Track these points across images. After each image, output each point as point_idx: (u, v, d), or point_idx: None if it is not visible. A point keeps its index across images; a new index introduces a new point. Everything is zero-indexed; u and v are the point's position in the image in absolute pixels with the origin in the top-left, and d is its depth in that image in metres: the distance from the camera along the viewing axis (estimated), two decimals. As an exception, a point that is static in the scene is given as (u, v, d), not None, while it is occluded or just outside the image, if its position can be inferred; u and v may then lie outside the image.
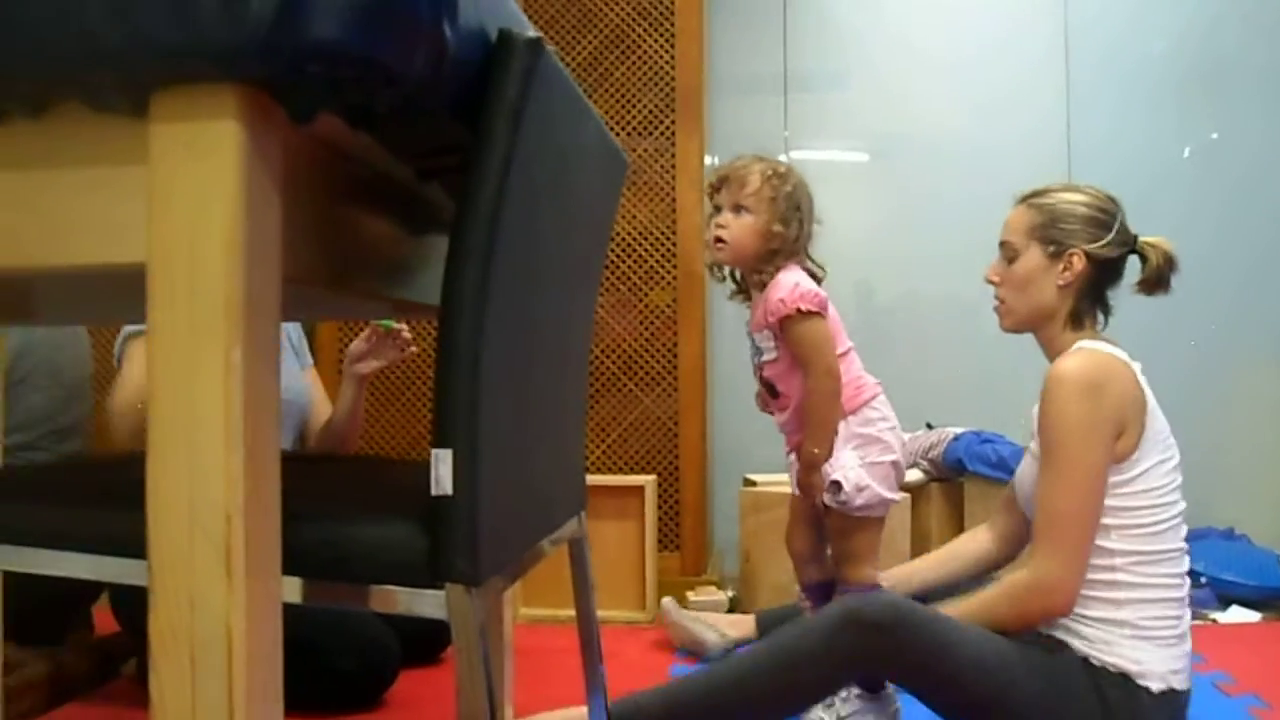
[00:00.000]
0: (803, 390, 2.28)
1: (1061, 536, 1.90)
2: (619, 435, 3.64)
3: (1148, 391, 1.96)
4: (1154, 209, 3.90)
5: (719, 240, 2.33)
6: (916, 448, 3.57)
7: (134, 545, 0.85)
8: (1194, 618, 3.11)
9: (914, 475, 3.52)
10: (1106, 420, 1.89)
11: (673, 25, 3.64)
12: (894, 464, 2.28)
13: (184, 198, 0.77)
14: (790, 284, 2.26)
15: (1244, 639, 3.00)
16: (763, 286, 2.33)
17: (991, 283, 2.12)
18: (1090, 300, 2.05)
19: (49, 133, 0.80)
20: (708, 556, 3.71)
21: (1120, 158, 3.99)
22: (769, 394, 2.38)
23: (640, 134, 3.63)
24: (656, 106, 3.64)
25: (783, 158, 4.10)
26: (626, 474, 3.55)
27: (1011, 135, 4.04)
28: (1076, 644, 1.90)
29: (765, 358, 2.34)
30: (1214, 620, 3.20)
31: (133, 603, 2.38)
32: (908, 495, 3.36)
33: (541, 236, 1.07)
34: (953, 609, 2.00)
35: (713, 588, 3.43)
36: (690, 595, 3.31)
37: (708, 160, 3.84)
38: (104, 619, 2.61)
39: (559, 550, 1.38)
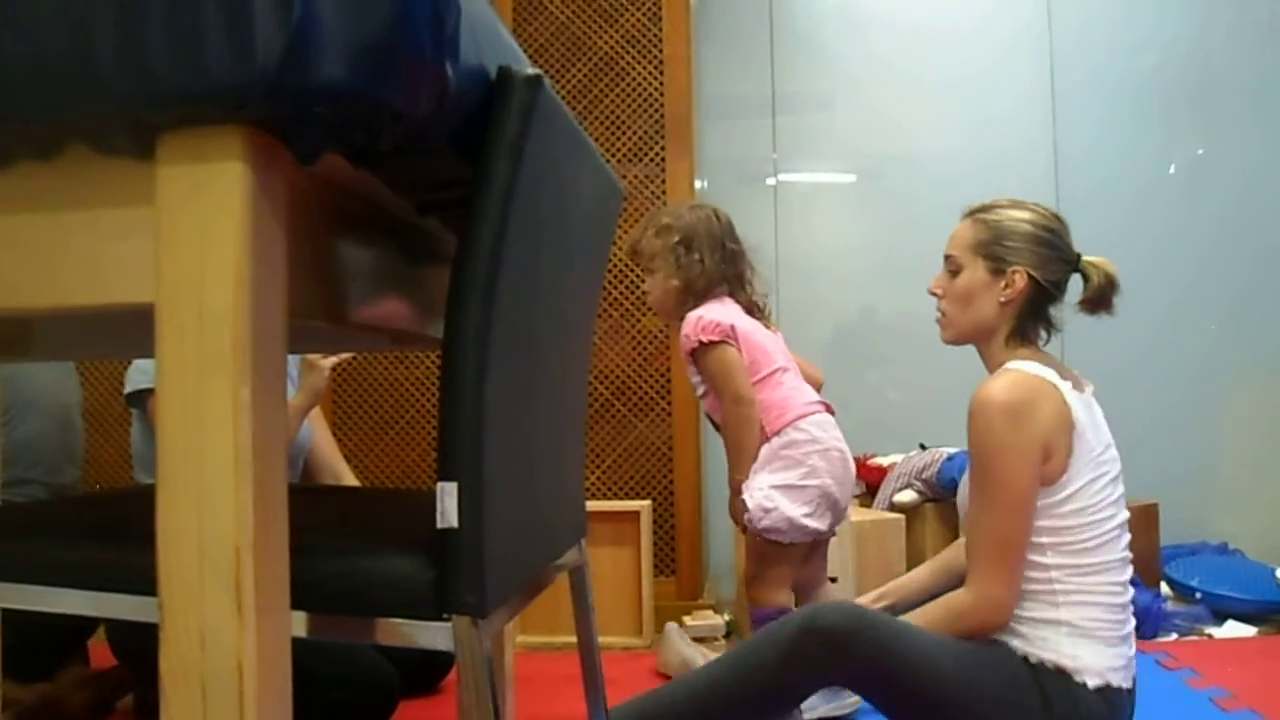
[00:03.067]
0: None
1: (997, 559, 1.92)
2: (614, 461, 3.64)
3: (1076, 411, 1.96)
4: (1141, 225, 3.96)
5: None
6: (910, 468, 3.58)
7: (137, 581, 0.86)
8: (1189, 633, 3.16)
9: (908, 496, 3.53)
10: (1033, 442, 1.90)
11: (661, 52, 3.67)
12: (821, 492, 2.30)
13: (191, 239, 0.78)
14: (693, 319, 2.35)
15: (1240, 654, 3.01)
16: None
17: (934, 295, 2.14)
18: (1032, 318, 2.06)
19: (57, 175, 0.81)
20: (704, 581, 3.71)
21: (1107, 175, 4.02)
22: (714, 427, 2.46)
23: (630, 160, 3.65)
24: (646, 133, 3.66)
25: (771, 181, 4.15)
26: (622, 500, 3.55)
27: (998, 153, 4.07)
28: (1014, 642, 1.92)
29: (699, 393, 2.44)
30: (1210, 635, 3.21)
31: (130, 636, 2.39)
32: (902, 516, 3.37)
33: (542, 269, 1.08)
34: (909, 618, 2.02)
35: (709, 612, 3.44)
36: (687, 620, 3.31)
37: (698, 185, 3.86)
38: (100, 653, 2.60)
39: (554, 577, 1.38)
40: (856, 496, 3.62)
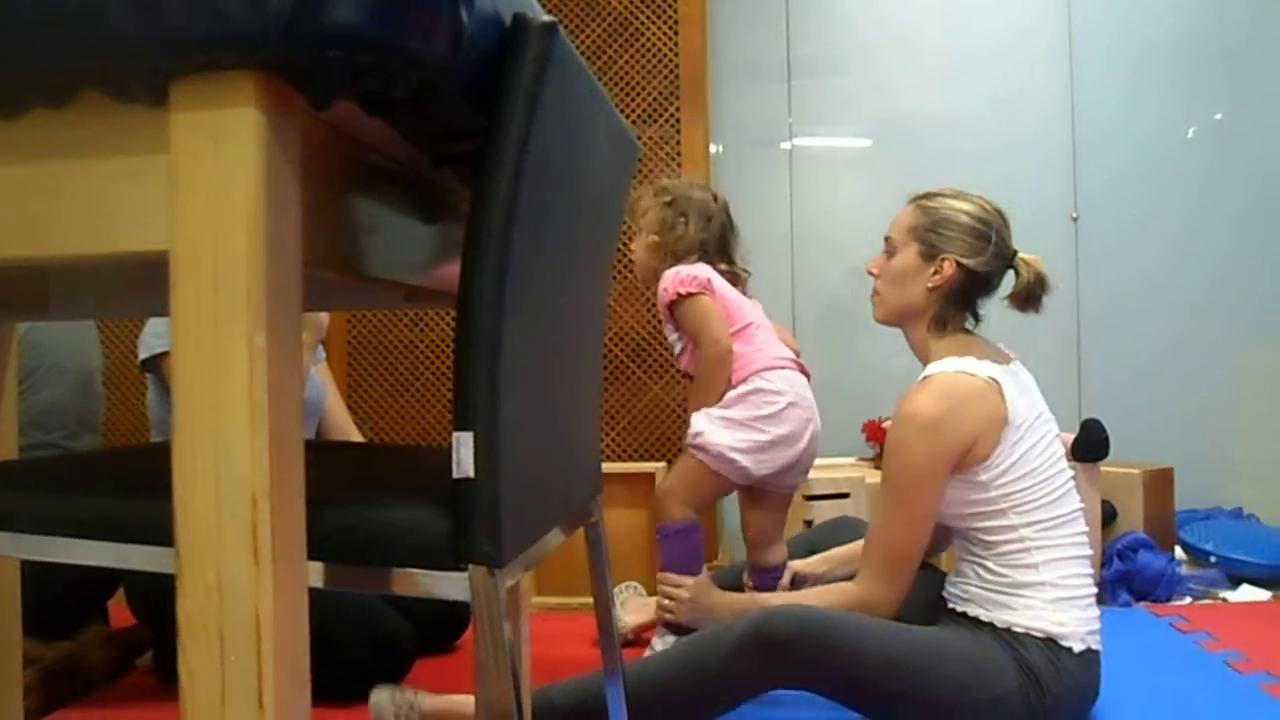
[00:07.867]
0: None
1: (889, 565, 2.02)
2: (628, 423, 3.64)
3: (1009, 396, 1.99)
4: (1161, 191, 3.93)
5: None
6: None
7: (157, 532, 0.86)
8: (1204, 597, 3.16)
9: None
10: (948, 454, 1.95)
11: (676, 12, 3.65)
12: (770, 439, 2.36)
13: (206, 185, 0.77)
14: (670, 275, 2.47)
15: (1254, 617, 3.01)
16: None
17: (871, 274, 2.23)
18: (957, 306, 2.12)
19: (70, 123, 0.81)
20: (718, 542, 3.71)
21: (1125, 140, 3.98)
22: (690, 382, 2.54)
23: (645, 122, 3.63)
24: (661, 94, 3.64)
25: (786, 145, 4.12)
26: (636, 461, 3.56)
27: (1016, 119, 4.04)
28: (1001, 614, 1.95)
29: (676, 350, 2.54)
30: (1224, 599, 3.21)
31: (149, 595, 2.41)
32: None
33: (557, 219, 1.07)
34: (798, 596, 2.15)
35: (723, 574, 3.44)
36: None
37: (713, 148, 3.84)
38: (120, 614, 2.62)
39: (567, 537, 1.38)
40: (870, 459, 3.63)
